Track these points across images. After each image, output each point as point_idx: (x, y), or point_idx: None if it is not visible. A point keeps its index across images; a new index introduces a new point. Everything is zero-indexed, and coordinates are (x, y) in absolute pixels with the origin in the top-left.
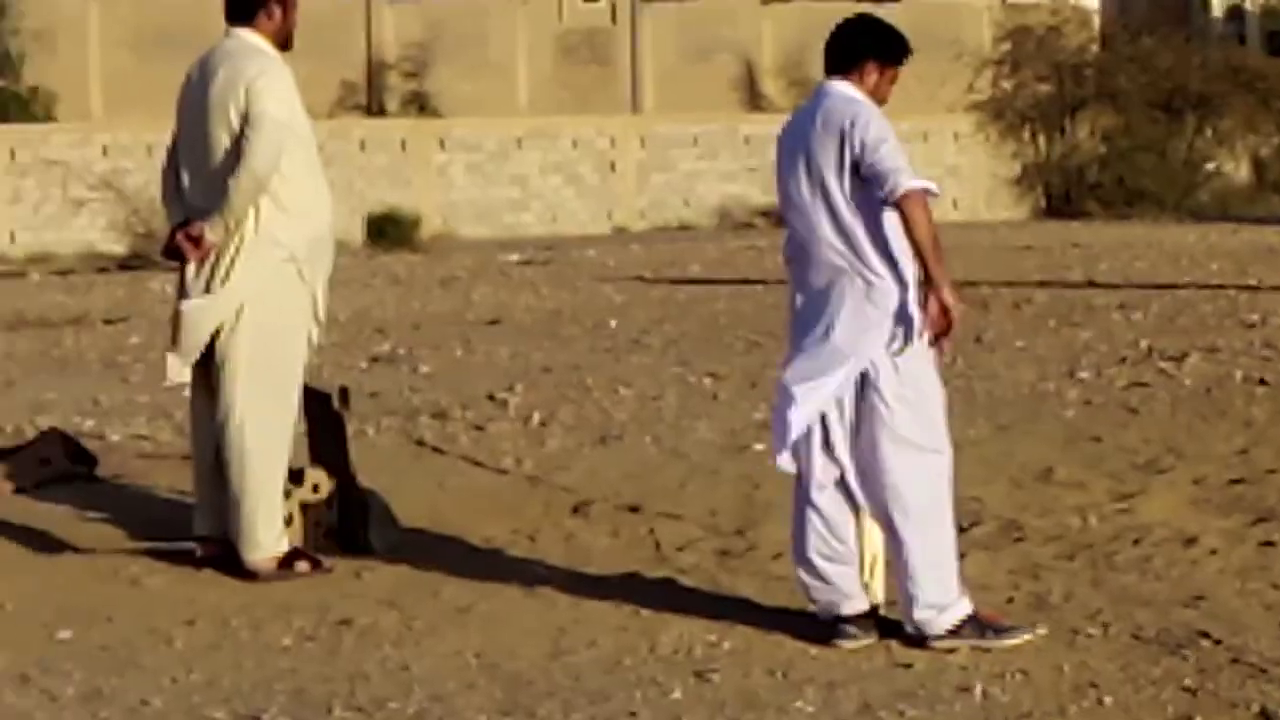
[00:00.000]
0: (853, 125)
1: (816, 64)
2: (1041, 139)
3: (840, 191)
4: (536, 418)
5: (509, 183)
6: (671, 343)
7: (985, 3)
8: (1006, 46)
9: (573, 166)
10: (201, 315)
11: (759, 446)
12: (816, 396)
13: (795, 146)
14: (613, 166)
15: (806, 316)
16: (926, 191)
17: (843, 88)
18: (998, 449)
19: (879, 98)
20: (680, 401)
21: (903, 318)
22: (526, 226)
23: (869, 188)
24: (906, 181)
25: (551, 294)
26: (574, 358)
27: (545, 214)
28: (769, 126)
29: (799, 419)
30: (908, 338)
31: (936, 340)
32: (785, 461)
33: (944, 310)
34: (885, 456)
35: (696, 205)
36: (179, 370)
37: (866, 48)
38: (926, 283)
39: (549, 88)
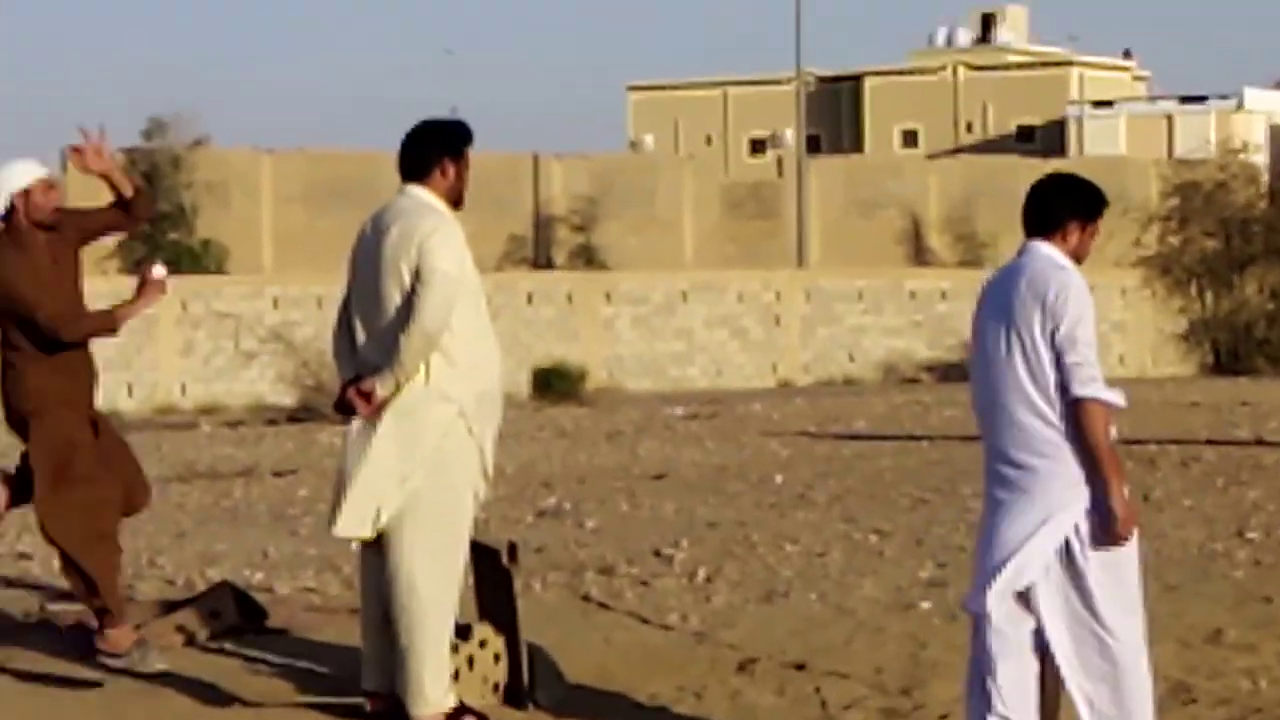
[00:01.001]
0: (1056, 299)
1: (982, 218)
2: (1209, 295)
3: (1040, 352)
4: (702, 574)
5: (674, 336)
6: (836, 499)
7: (1152, 158)
8: (1174, 202)
9: (738, 320)
10: (377, 480)
11: (925, 605)
12: (1024, 565)
13: (998, 304)
14: (777, 320)
15: (1001, 472)
16: (1109, 403)
17: (1048, 251)
18: (1166, 609)
19: (1081, 255)
20: (846, 558)
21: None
22: (691, 380)
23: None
24: (1092, 389)
25: (717, 448)
26: (739, 513)
27: (710, 367)
28: (935, 281)
29: (1001, 583)
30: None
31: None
32: (977, 604)
33: (1115, 520)
34: (1082, 625)
35: (861, 359)
36: (354, 527)
37: (1068, 209)
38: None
39: (715, 241)
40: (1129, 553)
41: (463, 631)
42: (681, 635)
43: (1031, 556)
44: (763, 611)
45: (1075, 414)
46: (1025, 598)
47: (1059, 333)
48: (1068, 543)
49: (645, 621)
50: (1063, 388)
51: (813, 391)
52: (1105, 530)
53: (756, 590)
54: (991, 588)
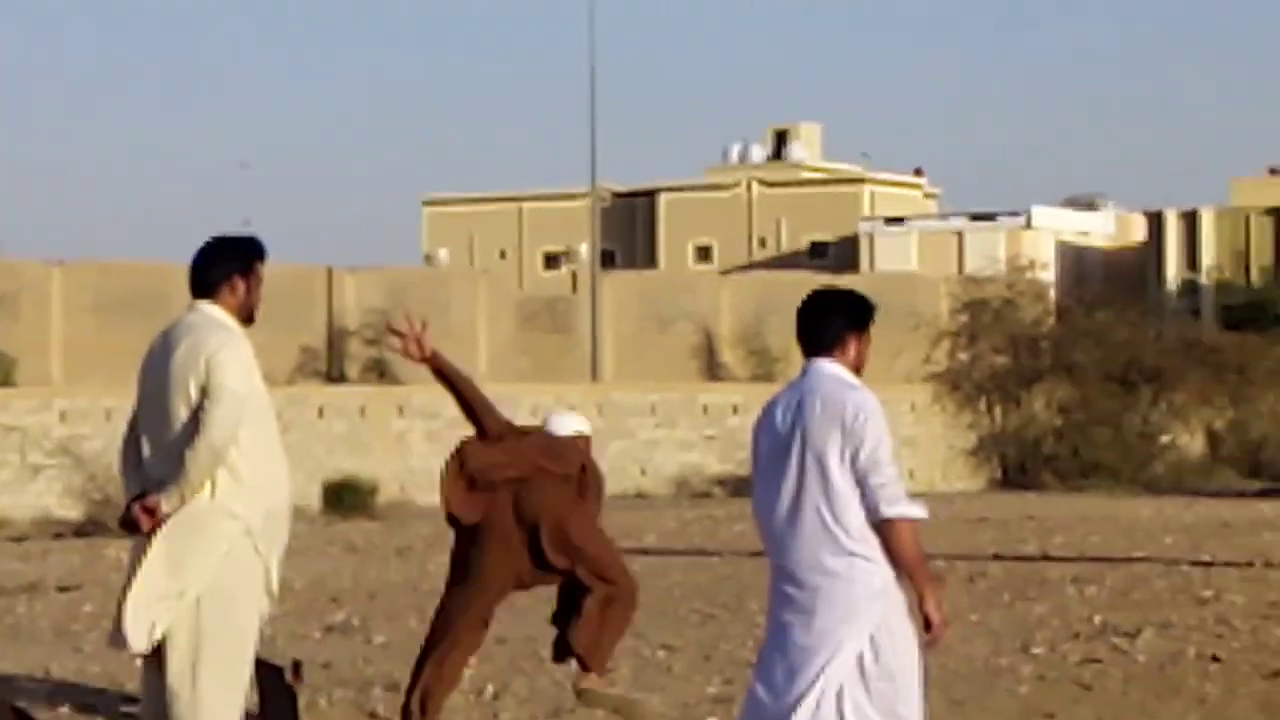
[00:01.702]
0: (855, 421)
1: (774, 334)
2: (998, 410)
3: (835, 474)
4: (490, 690)
5: None
6: None
7: (943, 275)
8: (963, 318)
9: None
10: (153, 593)
11: None
12: (824, 689)
13: (787, 424)
14: None
15: (789, 593)
16: (917, 518)
17: (834, 369)
18: None
19: (861, 365)
20: (634, 674)
21: (887, 594)
22: None
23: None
24: (899, 508)
25: None
26: (529, 628)
27: None
28: (727, 395)
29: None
30: (892, 616)
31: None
32: None
33: (932, 626)
34: None
35: (654, 474)
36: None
37: (843, 323)
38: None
39: (509, 355)
40: (912, 668)
41: None
42: None
43: (828, 679)
44: None
45: (885, 533)
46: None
47: (861, 455)
48: (860, 656)
49: None
50: (869, 508)
51: (605, 505)
52: (924, 637)
53: (544, 706)
54: (796, 713)
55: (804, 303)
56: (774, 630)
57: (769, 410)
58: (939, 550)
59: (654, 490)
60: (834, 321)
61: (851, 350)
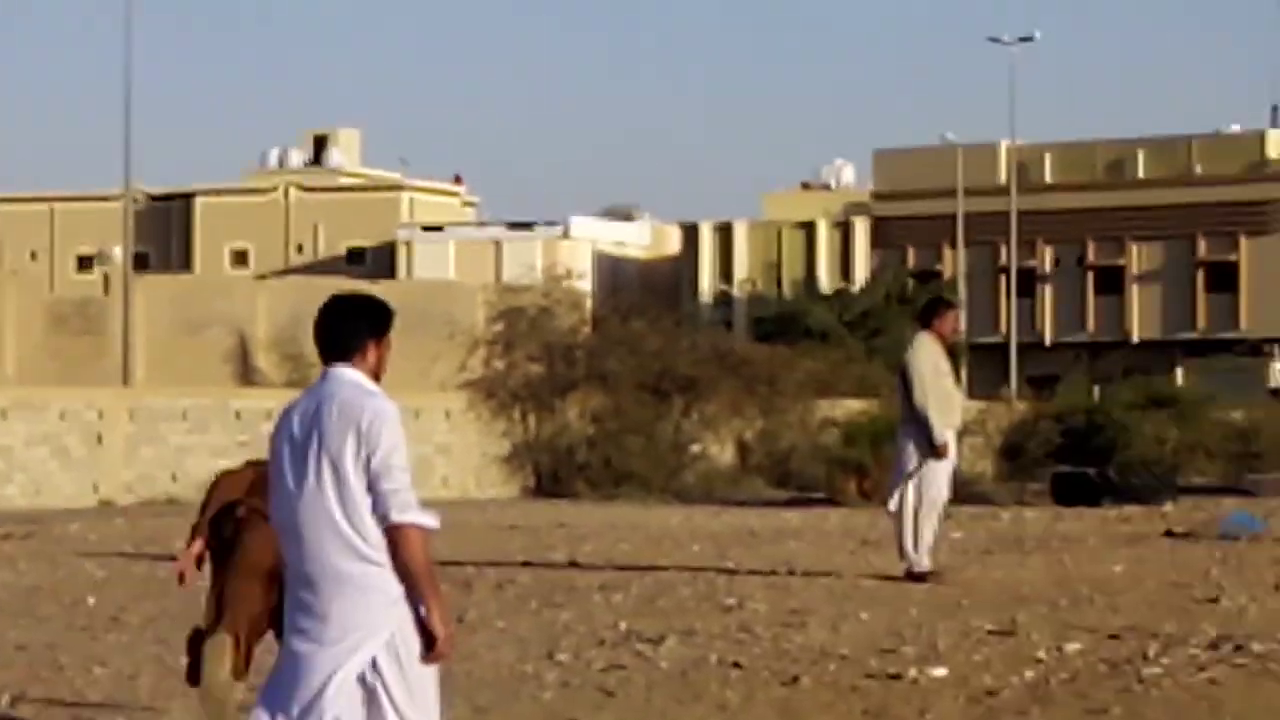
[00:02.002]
0: (370, 427)
1: (309, 339)
2: (532, 418)
3: (351, 480)
4: (5, 699)
5: None
6: (150, 620)
7: (479, 283)
8: (499, 326)
9: (59, 438)
10: None
11: None
12: (332, 695)
13: (305, 429)
14: (100, 439)
15: (305, 599)
16: (426, 526)
17: (353, 376)
18: None
19: (380, 371)
20: (155, 682)
21: (405, 602)
22: (9, 499)
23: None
24: (410, 515)
25: (30, 569)
26: (49, 636)
27: (29, 487)
28: (261, 401)
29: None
30: (408, 624)
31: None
32: None
33: (435, 638)
34: None
35: (185, 480)
36: None
37: (365, 330)
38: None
39: (38, 357)
40: (429, 675)
41: None
42: None
43: (340, 686)
44: None
45: (393, 539)
46: None
47: (374, 460)
48: (375, 663)
49: None
50: (380, 514)
51: (134, 511)
52: (426, 650)
53: (61, 715)
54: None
55: (323, 309)
56: (289, 635)
57: (287, 416)
58: (468, 556)
59: (185, 496)
60: (353, 328)
61: (371, 357)
